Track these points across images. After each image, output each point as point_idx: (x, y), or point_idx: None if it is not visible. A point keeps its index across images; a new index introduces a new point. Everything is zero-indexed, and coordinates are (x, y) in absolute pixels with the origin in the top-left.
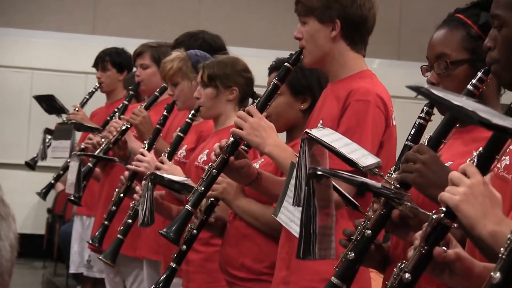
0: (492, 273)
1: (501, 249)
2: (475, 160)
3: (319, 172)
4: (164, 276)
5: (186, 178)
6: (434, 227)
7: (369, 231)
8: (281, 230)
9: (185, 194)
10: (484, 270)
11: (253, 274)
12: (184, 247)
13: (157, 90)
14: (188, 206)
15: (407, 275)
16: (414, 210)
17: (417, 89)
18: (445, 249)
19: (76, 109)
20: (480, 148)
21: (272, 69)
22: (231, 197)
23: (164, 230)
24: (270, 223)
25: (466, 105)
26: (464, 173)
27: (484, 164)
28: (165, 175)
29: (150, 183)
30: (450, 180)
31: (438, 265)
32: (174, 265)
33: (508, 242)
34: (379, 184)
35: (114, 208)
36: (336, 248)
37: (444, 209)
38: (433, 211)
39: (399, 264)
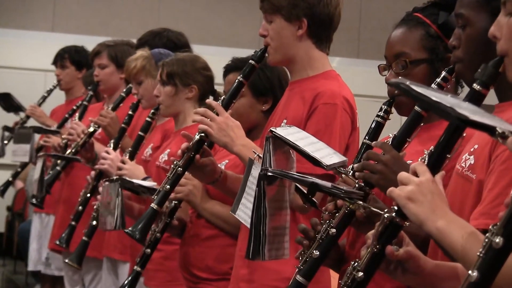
0: (469, 272)
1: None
2: (426, 159)
3: (269, 173)
4: (129, 279)
5: (153, 183)
6: (386, 226)
7: (333, 230)
8: None
9: (146, 196)
10: (436, 267)
11: (218, 274)
12: (149, 250)
13: (123, 90)
14: (153, 205)
15: (360, 273)
16: (367, 208)
17: (397, 85)
18: (397, 247)
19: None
20: (432, 147)
21: (229, 69)
22: (198, 200)
23: (129, 229)
24: (240, 225)
25: (444, 101)
26: (414, 172)
27: (435, 163)
28: (134, 180)
29: (119, 188)
30: (399, 181)
31: (391, 263)
32: (139, 268)
33: (486, 241)
34: (329, 184)
35: (81, 208)
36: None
37: (396, 208)
38: (385, 210)
39: (353, 262)
